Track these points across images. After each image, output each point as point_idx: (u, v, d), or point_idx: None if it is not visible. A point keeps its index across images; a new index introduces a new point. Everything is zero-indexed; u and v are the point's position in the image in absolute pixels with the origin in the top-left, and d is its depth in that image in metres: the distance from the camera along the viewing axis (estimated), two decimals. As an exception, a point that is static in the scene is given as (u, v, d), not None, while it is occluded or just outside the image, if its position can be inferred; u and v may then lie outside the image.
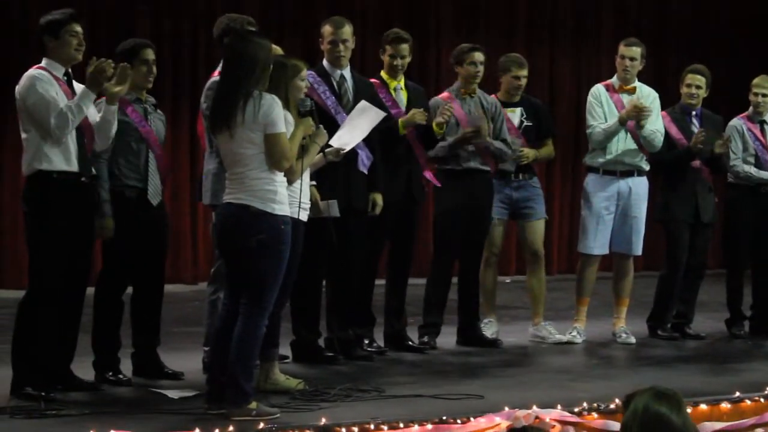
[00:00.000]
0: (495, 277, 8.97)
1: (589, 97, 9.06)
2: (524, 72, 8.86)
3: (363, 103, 7.52)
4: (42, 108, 6.43)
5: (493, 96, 8.81)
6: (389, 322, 8.38)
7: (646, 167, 9.00)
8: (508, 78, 8.83)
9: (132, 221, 6.97)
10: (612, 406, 6.26)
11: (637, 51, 8.96)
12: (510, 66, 8.86)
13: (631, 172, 8.95)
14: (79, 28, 6.64)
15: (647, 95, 9.03)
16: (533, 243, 8.92)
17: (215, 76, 7.22)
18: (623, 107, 8.91)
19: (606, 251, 9.00)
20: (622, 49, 9.00)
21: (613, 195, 8.91)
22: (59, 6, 6.83)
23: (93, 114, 6.67)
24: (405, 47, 8.24)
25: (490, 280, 8.88)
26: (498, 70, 8.96)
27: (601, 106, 8.95)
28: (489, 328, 8.79)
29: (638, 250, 9.07)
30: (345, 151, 7.25)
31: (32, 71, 6.56)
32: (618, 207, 8.93)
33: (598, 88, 9.06)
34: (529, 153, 8.80)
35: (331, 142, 7.15)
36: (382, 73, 8.30)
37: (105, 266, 7.13)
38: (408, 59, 8.27)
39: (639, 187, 8.97)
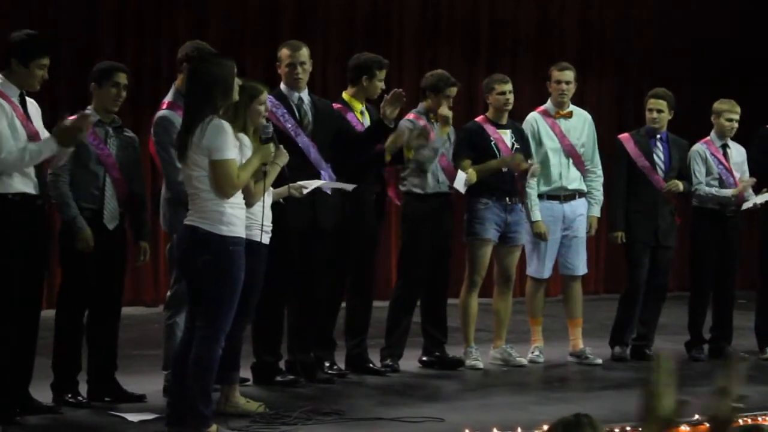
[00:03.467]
0: (477, 303, 8.87)
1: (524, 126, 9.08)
2: (509, 87, 8.82)
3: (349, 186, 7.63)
4: None
5: (481, 117, 8.89)
6: (351, 344, 8.37)
7: (585, 189, 9.09)
8: (495, 96, 8.81)
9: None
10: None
11: (571, 74, 9.05)
12: (493, 84, 8.83)
13: (573, 196, 9.04)
14: (48, 62, 6.59)
15: (583, 117, 9.14)
16: (508, 268, 8.91)
17: (163, 109, 7.21)
18: (562, 133, 8.99)
19: (551, 273, 9.07)
20: (557, 74, 9.05)
21: (558, 219, 8.97)
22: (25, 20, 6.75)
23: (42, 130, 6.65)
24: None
25: (474, 306, 8.79)
26: (483, 92, 8.97)
27: (535, 136, 8.98)
28: (474, 355, 8.72)
29: (584, 268, 9.16)
30: (307, 190, 7.27)
31: None
32: (562, 230, 9.00)
33: (534, 118, 9.10)
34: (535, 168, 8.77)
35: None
36: (346, 96, 8.28)
37: (63, 287, 7.06)
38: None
39: (580, 208, 9.06)
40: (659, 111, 9.19)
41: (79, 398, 6.95)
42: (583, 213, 9.06)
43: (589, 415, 3.55)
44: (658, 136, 9.25)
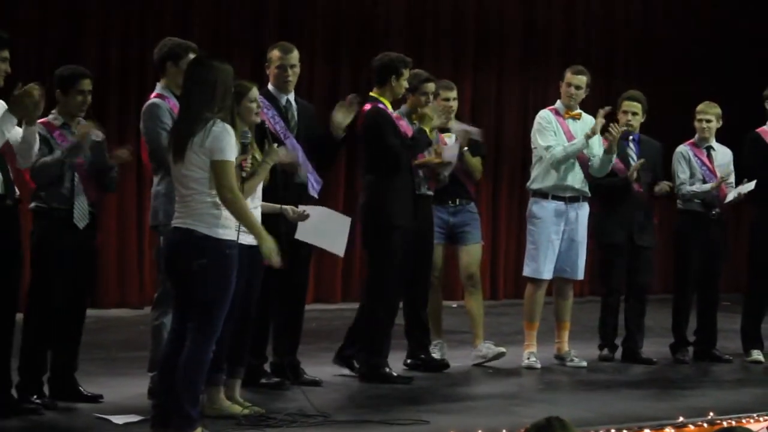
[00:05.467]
0: (440, 300, 9.00)
1: (539, 120, 9.06)
2: (453, 94, 8.91)
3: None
4: None
5: None
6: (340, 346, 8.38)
7: (589, 193, 9.10)
8: (440, 102, 8.82)
9: (56, 241, 6.88)
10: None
11: (583, 80, 9.04)
12: (438, 90, 8.83)
13: (577, 198, 9.03)
14: (7, 55, 6.53)
15: (590, 122, 9.13)
16: (469, 266, 8.96)
17: (152, 99, 7.18)
18: (570, 134, 8.99)
19: (551, 275, 9.06)
20: (570, 76, 9.06)
21: (561, 220, 8.97)
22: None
23: (15, 133, 6.56)
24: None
25: (435, 303, 8.91)
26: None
27: (552, 130, 9.01)
28: (438, 351, 8.82)
29: (582, 274, 9.16)
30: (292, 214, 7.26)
31: None
32: (565, 232, 9.00)
33: (548, 113, 9.11)
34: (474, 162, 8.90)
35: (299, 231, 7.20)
36: (375, 94, 8.25)
37: (32, 288, 6.97)
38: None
39: (583, 212, 9.07)
40: (634, 113, 9.23)
41: (45, 399, 6.84)
42: (585, 219, 9.06)
43: (561, 417, 3.56)
44: (631, 137, 9.28)
